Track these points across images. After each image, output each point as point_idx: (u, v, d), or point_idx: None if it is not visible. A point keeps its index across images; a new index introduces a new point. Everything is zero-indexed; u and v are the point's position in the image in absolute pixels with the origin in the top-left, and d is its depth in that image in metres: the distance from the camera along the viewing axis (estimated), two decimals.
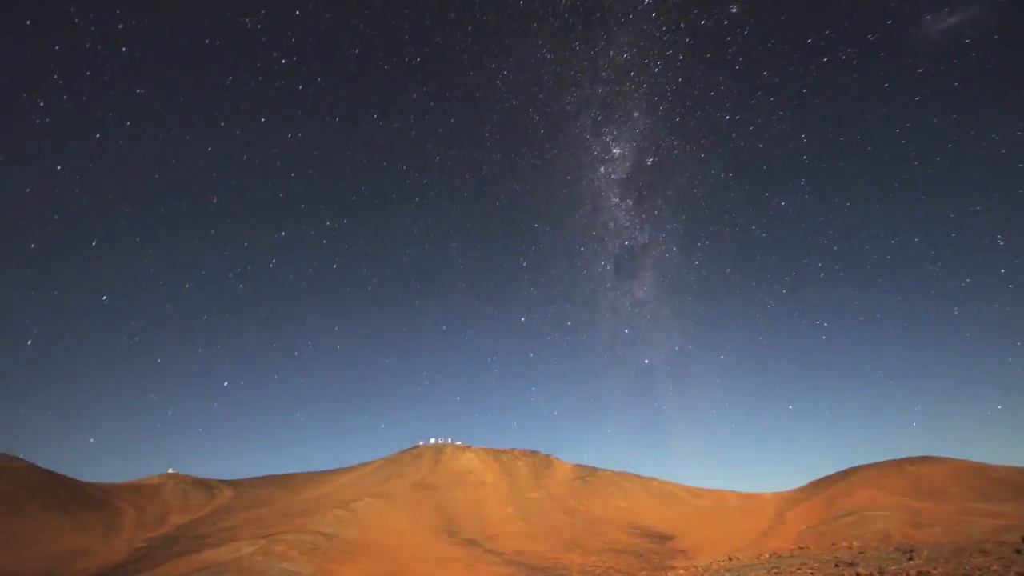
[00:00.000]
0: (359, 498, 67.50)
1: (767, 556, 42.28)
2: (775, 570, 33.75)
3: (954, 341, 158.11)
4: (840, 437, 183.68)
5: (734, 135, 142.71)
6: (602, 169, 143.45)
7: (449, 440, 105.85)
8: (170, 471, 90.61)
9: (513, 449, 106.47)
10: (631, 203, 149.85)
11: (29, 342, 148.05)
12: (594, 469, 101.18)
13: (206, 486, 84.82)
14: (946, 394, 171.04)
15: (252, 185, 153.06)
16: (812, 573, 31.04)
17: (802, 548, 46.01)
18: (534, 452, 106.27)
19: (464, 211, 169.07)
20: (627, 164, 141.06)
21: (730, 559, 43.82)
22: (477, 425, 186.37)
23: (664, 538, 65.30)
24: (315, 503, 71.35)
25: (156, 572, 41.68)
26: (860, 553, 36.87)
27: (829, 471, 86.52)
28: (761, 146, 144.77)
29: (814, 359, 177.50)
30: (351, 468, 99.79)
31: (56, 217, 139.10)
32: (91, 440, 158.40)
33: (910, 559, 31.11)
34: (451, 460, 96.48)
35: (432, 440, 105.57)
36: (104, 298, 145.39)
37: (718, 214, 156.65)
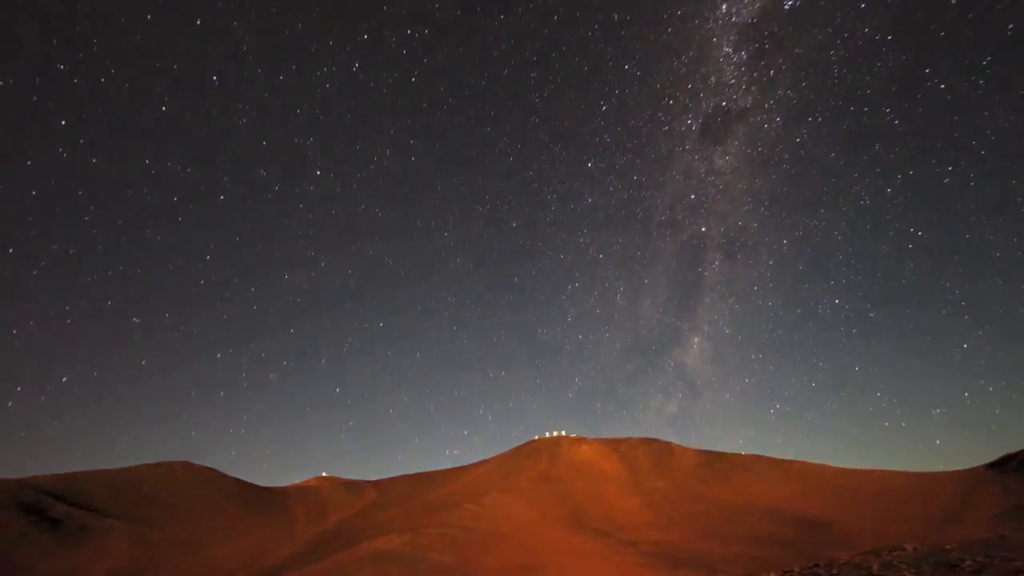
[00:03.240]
0: (487, 493, 70.97)
1: (954, 545, 36.25)
2: (968, 562, 28.83)
3: None
4: (874, 346, 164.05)
5: None
6: (724, 7, 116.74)
7: (563, 433, 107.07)
8: (323, 474, 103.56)
9: (629, 438, 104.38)
10: (745, 57, 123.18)
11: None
12: (722, 454, 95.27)
13: (354, 486, 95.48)
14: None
15: None
16: (1021, 568, 25.94)
17: (1001, 537, 38.73)
18: (652, 440, 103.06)
19: (550, 38, 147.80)
20: (756, 5, 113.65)
21: (905, 549, 38.39)
22: (525, 252, 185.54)
23: (816, 525, 59.34)
24: (448, 499, 76.53)
25: (330, 560, 47.81)
26: None
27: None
28: (954, 1, 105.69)
29: (885, 266, 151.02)
30: (473, 465, 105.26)
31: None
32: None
33: None
34: (569, 453, 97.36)
35: (547, 434, 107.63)
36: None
37: (851, 87, 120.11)
